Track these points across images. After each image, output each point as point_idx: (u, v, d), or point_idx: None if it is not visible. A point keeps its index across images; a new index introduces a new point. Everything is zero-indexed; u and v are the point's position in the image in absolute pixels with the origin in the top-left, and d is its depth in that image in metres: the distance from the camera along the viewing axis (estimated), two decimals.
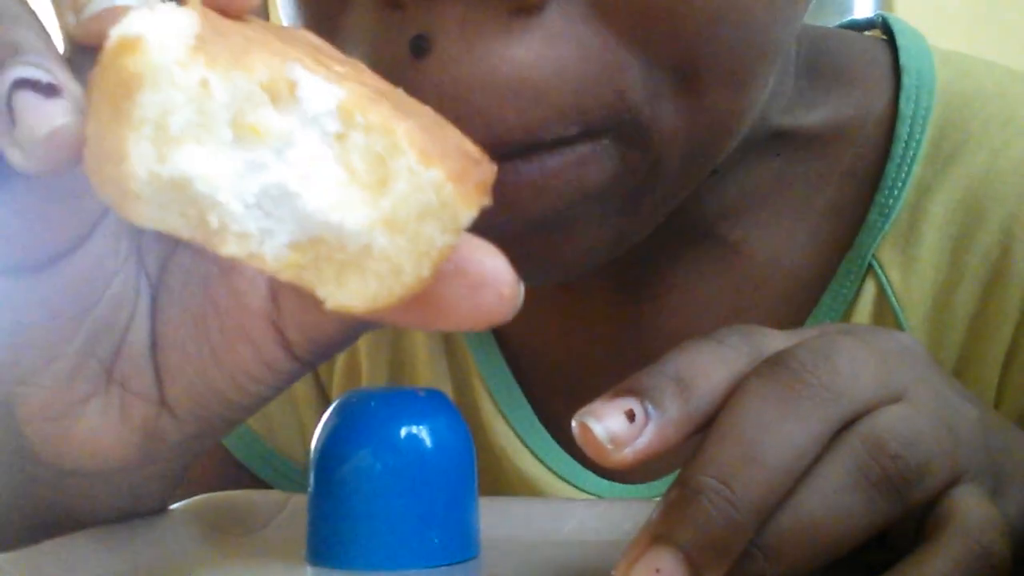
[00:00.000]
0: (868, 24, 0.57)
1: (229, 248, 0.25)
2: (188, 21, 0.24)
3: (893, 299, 0.50)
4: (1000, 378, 0.49)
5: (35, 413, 0.34)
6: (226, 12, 0.26)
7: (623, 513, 0.42)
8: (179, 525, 0.41)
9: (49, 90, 0.25)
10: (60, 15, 0.27)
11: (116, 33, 0.23)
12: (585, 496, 0.54)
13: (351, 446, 0.37)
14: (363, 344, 0.59)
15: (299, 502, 0.43)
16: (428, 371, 0.57)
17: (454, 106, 0.35)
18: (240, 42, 0.25)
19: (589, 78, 0.37)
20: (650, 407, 0.30)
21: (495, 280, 0.27)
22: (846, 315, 0.51)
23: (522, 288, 0.28)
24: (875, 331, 0.34)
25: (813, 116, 0.52)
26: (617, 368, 0.53)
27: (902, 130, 0.50)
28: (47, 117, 0.25)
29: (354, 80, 0.26)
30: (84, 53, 0.27)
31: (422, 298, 0.27)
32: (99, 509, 0.38)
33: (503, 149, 0.36)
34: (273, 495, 0.45)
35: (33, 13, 0.27)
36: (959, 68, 0.52)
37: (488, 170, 0.26)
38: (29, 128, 0.25)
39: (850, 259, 0.51)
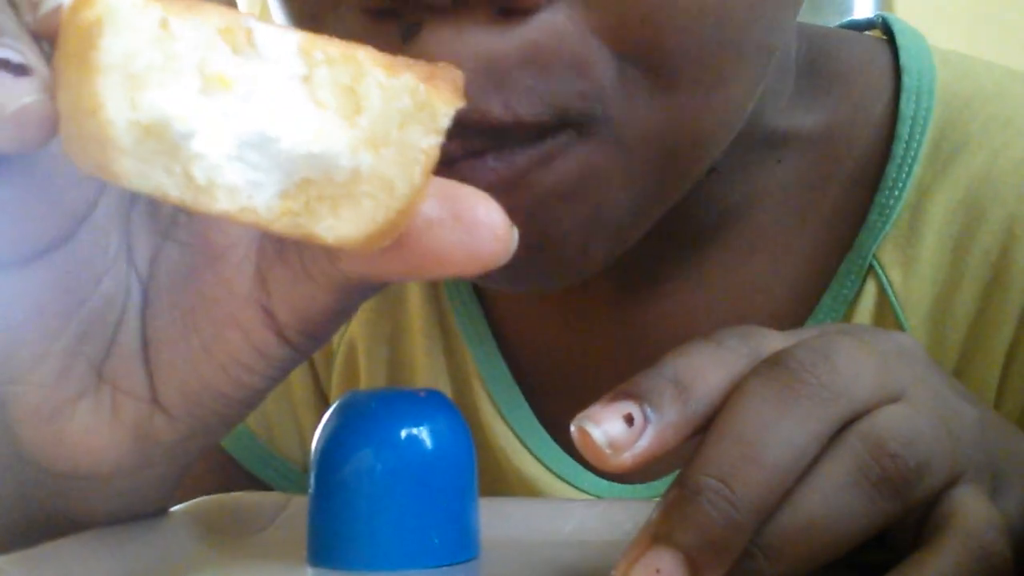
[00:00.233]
0: (868, 24, 0.57)
1: (220, 204, 0.25)
2: None
3: (894, 299, 0.50)
4: (1000, 378, 0.50)
5: (27, 413, 0.34)
6: None
7: (623, 513, 0.42)
8: (179, 527, 0.41)
9: (19, 70, 0.26)
10: (19, 15, 0.27)
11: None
12: (585, 496, 0.54)
13: (352, 447, 0.37)
14: (361, 344, 0.59)
15: (299, 503, 0.43)
16: (426, 371, 0.57)
17: None
18: (188, 2, 0.25)
19: (562, 63, 0.37)
20: (649, 410, 0.30)
21: (489, 222, 0.28)
22: (847, 315, 0.51)
23: (515, 233, 0.29)
24: (874, 331, 0.35)
25: (813, 117, 0.52)
26: (617, 368, 0.53)
27: (902, 130, 0.51)
28: (15, 95, 0.26)
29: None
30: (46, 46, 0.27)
31: (417, 246, 0.27)
32: (97, 514, 0.37)
33: (481, 137, 0.37)
34: (273, 496, 0.45)
35: None
36: (959, 68, 0.52)
37: (458, 74, 0.27)
38: None
39: (851, 259, 0.51)
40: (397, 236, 0.27)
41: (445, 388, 0.57)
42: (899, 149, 0.50)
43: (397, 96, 0.26)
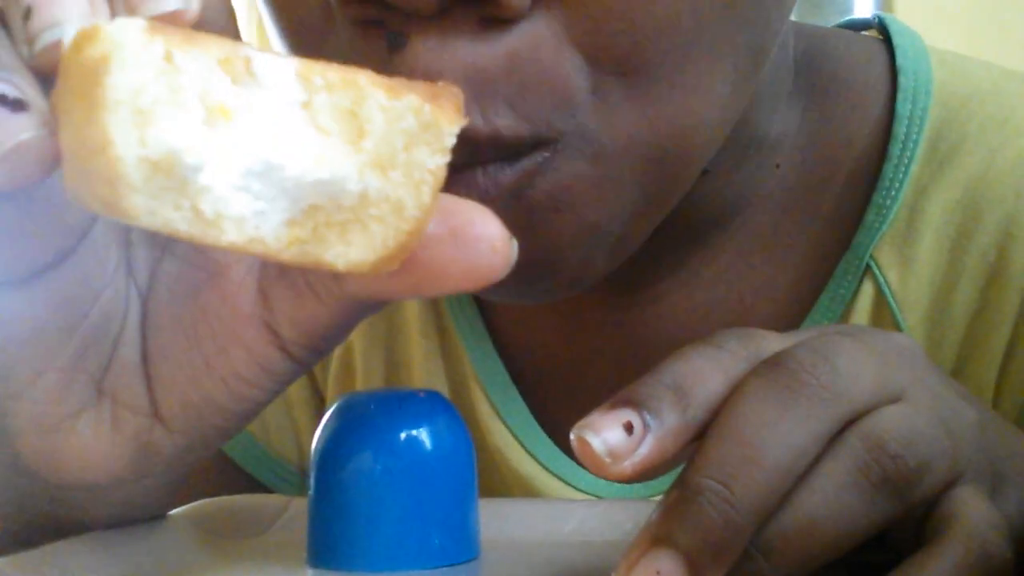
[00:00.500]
0: (865, 25, 0.57)
1: (228, 236, 0.25)
2: (136, 21, 0.24)
3: (891, 299, 0.50)
4: (998, 377, 0.50)
5: (27, 427, 0.34)
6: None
7: (623, 513, 0.42)
8: (179, 530, 0.41)
9: (16, 105, 0.25)
10: (16, 48, 0.27)
11: (72, 34, 0.24)
12: (583, 496, 0.54)
13: (351, 449, 0.37)
14: (358, 345, 0.59)
15: (299, 505, 0.43)
16: (424, 372, 0.57)
17: None
18: (187, 33, 0.25)
19: (541, 74, 0.37)
20: (648, 417, 0.30)
21: (487, 235, 0.28)
22: (844, 315, 0.51)
23: (515, 245, 0.28)
24: (873, 332, 0.35)
25: (810, 116, 0.52)
26: (614, 369, 0.54)
27: (899, 130, 0.51)
28: (12, 131, 0.25)
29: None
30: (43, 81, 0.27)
31: (415, 263, 0.27)
32: (95, 520, 0.38)
33: (463, 151, 0.37)
34: (273, 499, 0.45)
35: (2, 29, 0.27)
36: (956, 68, 0.52)
37: (458, 93, 0.26)
38: None
39: (848, 259, 0.51)
40: (406, 258, 0.27)
41: (442, 389, 0.57)
42: (896, 149, 0.50)
43: (400, 117, 0.25)
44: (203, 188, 0.24)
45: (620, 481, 0.30)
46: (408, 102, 0.25)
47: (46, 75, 0.26)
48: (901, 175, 0.50)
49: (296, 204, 0.25)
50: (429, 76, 0.35)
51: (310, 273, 0.32)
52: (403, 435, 0.37)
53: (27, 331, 0.32)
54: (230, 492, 0.47)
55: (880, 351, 0.32)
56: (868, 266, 0.50)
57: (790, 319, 0.52)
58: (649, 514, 0.29)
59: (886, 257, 0.50)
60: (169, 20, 0.26)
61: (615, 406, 0.30)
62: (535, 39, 0.36)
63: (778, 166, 0.51)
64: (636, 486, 0.53)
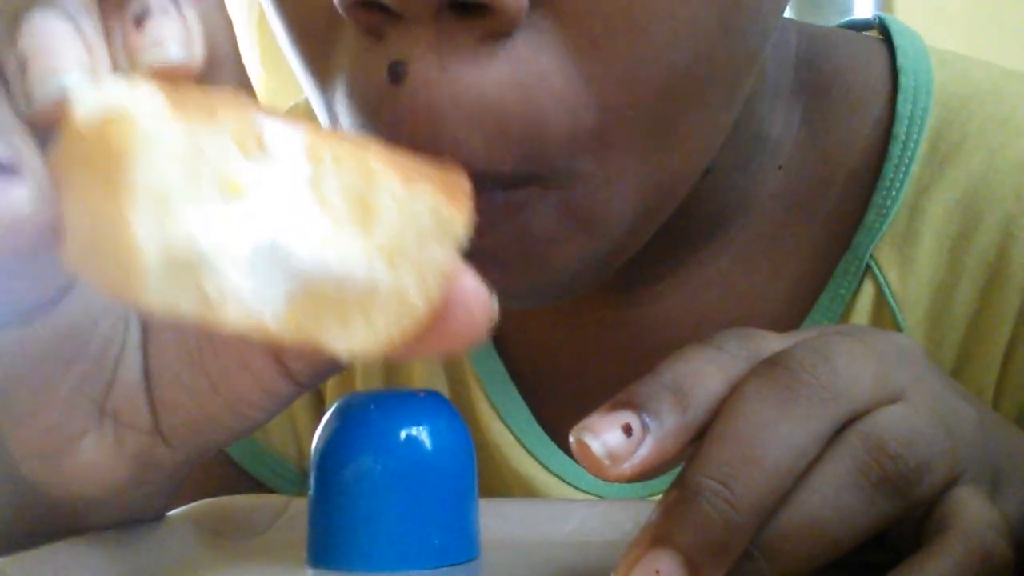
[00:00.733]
0: (865, 25, 0.57)
1: (232, 319, 0.24)
2: (150, 89, 0.23)
3: (891, 299, 0.50)
4: (998, 377, 0.50)
5: (30, 452, 0.34)
6: (173, 80, 0.26)
7: (623, 513, 0.42)
8: (179, 530, 0.41)
9: (8, 169, 0.24)
10: (12, 102, 0.26)
11: (88, 107, 0.23)
12: (583, 496, 0.54)
13: (351, 449, 0.37)
14: None
15: (299, 505, 0.43)
16: (423, 371, 0.57)
17: (429, 131, 0.35)
18: (200, 100, 0.24)
19: (546, 110, 0.36)
20: (648, 419, 0.30)
21: (463, 300, 0.27)
22: (844, 315, 0.51)
23: (495, 302, 0.28)
24: (873, 332, 0.34)
25: (810, 116, 0.52)
26: (614, 368, 0.54)
27: (900, 131, 0.51)
28: (8, 207, 0.24)
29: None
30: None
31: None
32: (93, 523, 0.38)
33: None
34: (273, 499, 0.45)
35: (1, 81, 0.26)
36: (956, 69, 0.52)
37: (463, 177, 0.26)
38: None
39: (848, 260, 0.51)
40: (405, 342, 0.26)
41: (442, 388, 0.57)
42: (896, 149, 0.50)
43: (415, 210, 0.25)
44: (211, 271, 0.23)
45: (620, 481, 0.30)
46: (423, 200, 0.25)
47: (46, 130, 0.25)
48: (901, 175, 0.50)
49: (300, 287, 0.24)
50: (431, 111, 0.35)
51: None
52: (403, 435, 0.37)
53: (29, 366, 0.32)
54: (230, 491, 0.47)
55: (880, 351, 0.32)
56: (868, 266, 0.50)
57: (790, 319, 0.52)
58: (649, 514, 0.29)
59: (886, 257, 0.50)
60: (173, 73, 0.26)
61: (614, 408, 0.30)
62: (540, 68, 0.35)
63: (780, 167, 0.51)
64: (636, 486, 0.53)
